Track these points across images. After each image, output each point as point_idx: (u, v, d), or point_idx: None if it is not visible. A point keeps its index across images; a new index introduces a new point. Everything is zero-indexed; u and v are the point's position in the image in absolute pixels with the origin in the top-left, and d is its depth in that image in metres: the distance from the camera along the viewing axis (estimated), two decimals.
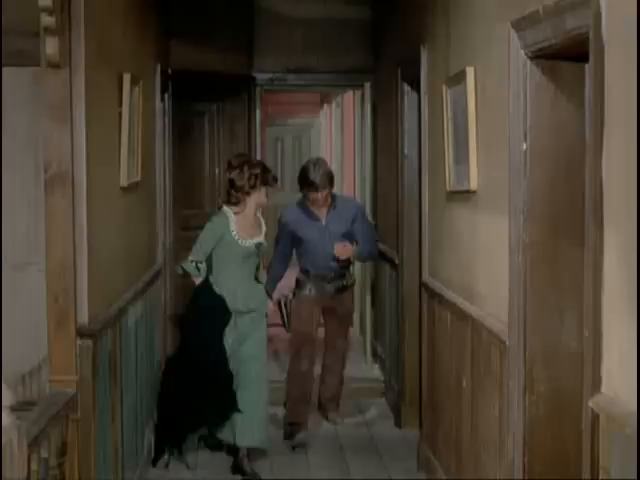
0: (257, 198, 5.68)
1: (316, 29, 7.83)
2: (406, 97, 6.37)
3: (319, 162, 6.19)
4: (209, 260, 5.71)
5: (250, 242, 5.66)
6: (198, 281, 5.69)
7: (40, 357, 4.34)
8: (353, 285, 6.61)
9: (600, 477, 2.78)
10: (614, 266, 2.69)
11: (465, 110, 4.36)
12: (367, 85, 8.04)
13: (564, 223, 3.51)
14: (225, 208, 5.70)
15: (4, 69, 4.45)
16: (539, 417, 3.67)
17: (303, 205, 6.26)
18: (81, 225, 3.93)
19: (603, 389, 2.77)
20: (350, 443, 6.42)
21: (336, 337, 6.59)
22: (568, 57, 3.34)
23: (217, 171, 7.78)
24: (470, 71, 4.31)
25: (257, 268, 5.89)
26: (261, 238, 5.74)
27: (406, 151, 6.43)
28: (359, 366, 7.92)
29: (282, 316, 6.41)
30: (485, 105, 4.19)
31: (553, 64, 3.45)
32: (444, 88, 4.81)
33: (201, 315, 5.72)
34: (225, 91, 7.78)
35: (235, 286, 5.68)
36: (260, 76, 7.92)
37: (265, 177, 5.68)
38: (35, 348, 4.39)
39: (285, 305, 6.37)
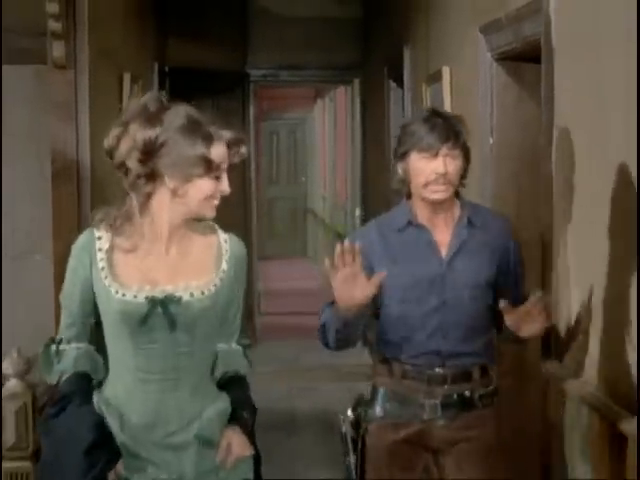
0: (175, 202, 2.46)
1: (308, 27, 8.15)
2: (392, 93, 6.71)
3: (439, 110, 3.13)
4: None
5: (139, 293, 2.45)
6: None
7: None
8: (495, 396, 3.06)
9: (552, 437, 3.12)
10: (562, 248, 3.03)
11: (442, 106, 4.68)
12: (356, 81, 8.39)
13: (526, 210, 3.84)
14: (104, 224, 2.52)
15: (7, 67, 4.71)
16: (506, 389, 3.99)
17: (397, 220, 3.06)
18: (86, 216, 4.17)
19: (554, 356, 3.10)
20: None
21: None
22: (529, 59, 3.66)
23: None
24: (446, 70, 4.64)
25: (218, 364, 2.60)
26: (187, 285, 2.48)
27: (392, 145, 6.74)
28: (351, 352, 8.18)
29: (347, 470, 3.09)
30: (459, 102, 4.52)
31: (517, 65, 3.78)
32: (424, 86, 5.15)
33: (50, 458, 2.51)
34: (220, 87, 8.11)
35: (128, 399, 2.50)
36: (254, 72, 8.26)
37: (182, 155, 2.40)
38: (40, 335, 4.62)
39: (347, 439, 3.09)
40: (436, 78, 4.84)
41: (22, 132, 4.92)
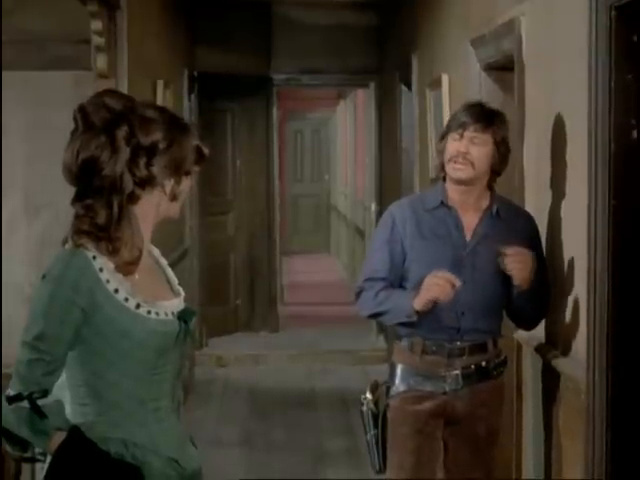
0: (162, 205, 2.28)
1: (327, 34, 8.71)
2: (403, 97, 7.24)
3: (482, 102, 3.42)
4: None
5: (168, 309, 2.25)
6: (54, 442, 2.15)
7: None
8: (504, 366, 3.37)
9: (522, 392, 3.66)
10: None
11: (441, 110, 5.23)
12: (372, 85, 8.92)
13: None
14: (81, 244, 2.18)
15: (47, 73, 5.21)
16: None
17: (430, 199, 3.32)
18: None
19: None
20: (356, 401, 7.19)
21: None
22: (509, 69, 4.19)
23: (237, 162, 8.74)
24: (445, 78, 5.18)
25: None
26: (182, 296, 2.36)
27: (404, 144, 7.29)
28: (367, 338, 8.73)
29: (368, 446, 3.37)
30: (455, 106, 5.02)
31: (501, 74, 4.29)
32: (427, 91, 5.69)
33: None
34: (245, 90, 8.68)
35: (149, 437, 2.22)
36: (277, 76, 8.82)
37: (183, 151, 2.25)
38: None
39: (368, 417, 3.35)
40: (437, 84, 5.37)
41: (62, 136, 5.46)
